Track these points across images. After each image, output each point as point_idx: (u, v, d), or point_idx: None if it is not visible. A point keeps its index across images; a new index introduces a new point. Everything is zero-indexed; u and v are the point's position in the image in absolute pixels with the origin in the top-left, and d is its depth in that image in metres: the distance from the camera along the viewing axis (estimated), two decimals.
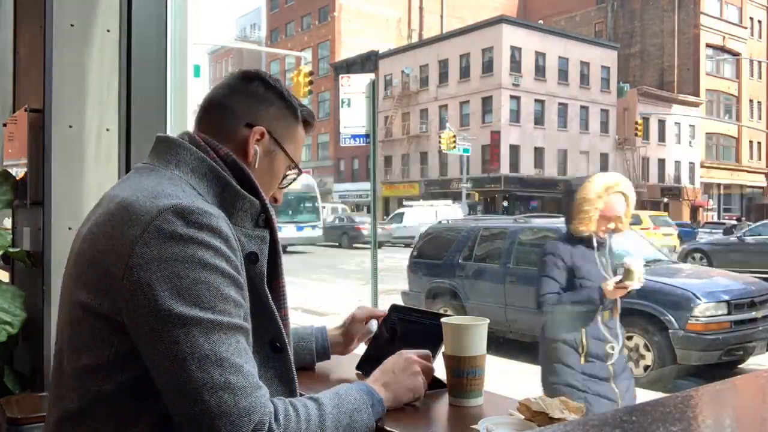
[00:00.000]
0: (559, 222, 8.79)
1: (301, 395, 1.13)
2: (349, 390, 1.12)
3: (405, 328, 1.47)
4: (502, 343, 7.65)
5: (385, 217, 31.90)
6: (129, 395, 1.00)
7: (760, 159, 49.18)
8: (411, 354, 1.27)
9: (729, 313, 6.29)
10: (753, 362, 6.85)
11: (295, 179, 1.29)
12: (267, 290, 1.13)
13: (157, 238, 0.97)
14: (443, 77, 41.13)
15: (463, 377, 1.25)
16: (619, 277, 3.07)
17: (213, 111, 1.21)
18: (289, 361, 1.16)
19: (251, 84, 1.21)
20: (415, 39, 48.14)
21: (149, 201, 1.01)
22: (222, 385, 0.93)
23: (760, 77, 49.36)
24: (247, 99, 1.20)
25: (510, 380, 5.86)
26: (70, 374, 1.04)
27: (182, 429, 0.97)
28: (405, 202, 33.48)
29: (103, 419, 1.01)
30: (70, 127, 2.17)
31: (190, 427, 0.95)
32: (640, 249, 8.22)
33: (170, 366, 0.94)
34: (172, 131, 2.18)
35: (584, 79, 41.14)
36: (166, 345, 0.94)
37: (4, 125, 2.63)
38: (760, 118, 49.10)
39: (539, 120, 39.24)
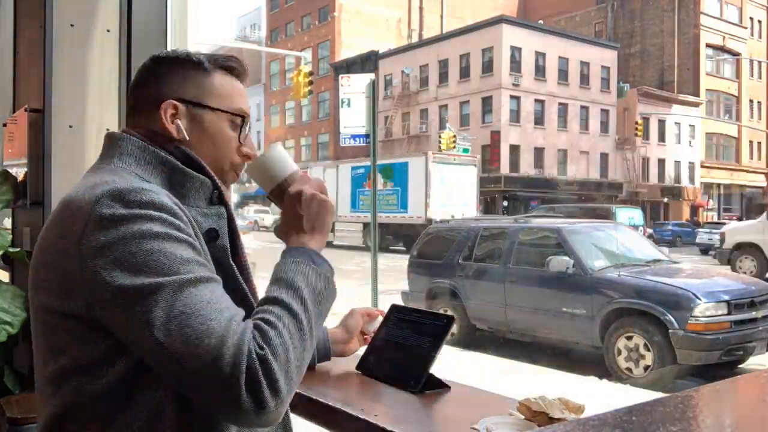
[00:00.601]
0: (559, 222, 8.80)
1: None
2: (293, 273, 1.05)
3: (405, 328, 1.47)
4: (502, 343, 7.65)
5: None
6: (116, 392, 0.99)
7: (760, 159, 49.18)
8: (301, 187, 1.15)
9: (729, 313, 6.29)
10: (753, 362, 6.85)
11: (248, 127, 1.21)
12: (233, 264, 1.12)
13: (100, 224, 0.95)
14: (443, 77, 41.12)
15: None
16: None
17: (133, 112, 1.18)
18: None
19: (147, 70, 1.17)
20: (415, 39, 48.13)
21: (87, 192, 1.00)
22: (204, 333, 0.92)
23: (760, 77, 49.35)
24: (146, 84, 1.16)
25: (510, 380, 5.86)
26: (50, 378, 1.03)
27: (188, 393, 0.96)
28: None
29: (93, 418, 0.99)
30: (70, 127, 2.17)
31: (192, 387, 0.94)
32: (641, 247, 8.23)
33: (151, 335, 0.92)
34: None
35: (584, 79, 41.13)
36: (141, 319, 0.92)
37: (4, 125, 2.63)
38: (760, 118, 49.09)
39: (539, 120, 39.22)
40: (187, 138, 1.13)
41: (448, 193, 23.80)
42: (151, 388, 0.99)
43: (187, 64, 1.16)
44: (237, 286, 1.10)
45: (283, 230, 1.15)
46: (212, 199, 1.13)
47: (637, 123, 34.58)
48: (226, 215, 1.14)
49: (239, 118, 1.18)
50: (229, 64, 1.19)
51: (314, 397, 1.31)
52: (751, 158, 48.86)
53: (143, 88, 1.16)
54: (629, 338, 6.57)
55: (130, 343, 0.96)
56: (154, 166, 1.09)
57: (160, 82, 1.15)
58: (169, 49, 2.27)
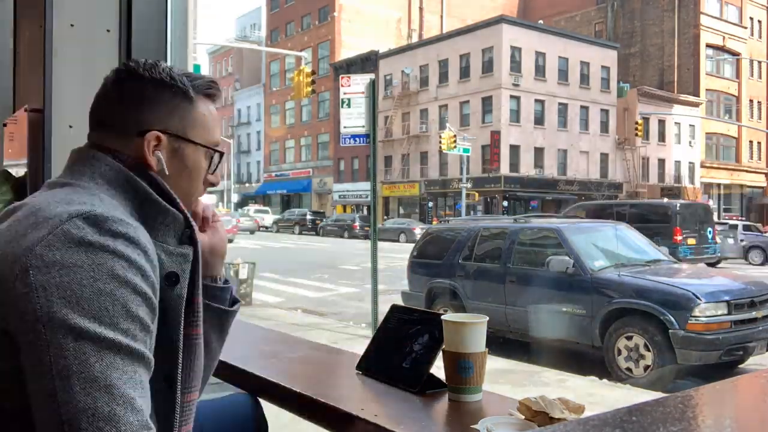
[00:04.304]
0: (559, 222, 8.79)
1: None
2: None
3: (405, 328, 1.47)
4: (502, 343, 7.65)
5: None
6: (26, 416, 0.87)
7: (760, 159, 49.17)
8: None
9: (729, 313, 6.29)
10: (753, 362, 6.85)
11: (221, 159, 1.17)
12: (181, 317, 1.03)
13: (63, 242, 0.87)
14: (443, 77, 41.12)
15: (462, 373, 1.26)
16: None
17: (102, 128, 1.08)
18: (174, 401, 1.04)
19: (123, 87, 1.08)
20: (415, 39, 48.12)
21: (61, 206, 0.92)
22: (105, 416, 0.81)
23: (760, 77, 49.34)
24: (125, 106, 1.07)
25: (510, 380, 5.86)
26: None
27: None
28: None
29: None
30: (70, 127, 2.17)
31: None
32: (641, 247, 8.23)
33: (50, 383, 0.82)
34: None
35: (584, 79, 41.13)
36: (51, 358, 0.82)
37: (4, 125, 2.63)
38: (760, 118, 49.07)
39: (539, 120, 39.22)
40: (167, 172, 1.07)
41: None
42: None
43: (173, 90, 1.08)
44: (172, 339, 1.02)
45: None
46: (182, 237, 1.05)
47: (637, 123, 34.56)
48: (191, 257, 1.05)
49: (217, 153, 1.14)
50: (210, 92, 1.13)
51: (314, 397, 1.31)
52: (751, 158, 48.84)
53: (123, 105, 1.07)
54: (629, 338, 6.56)
55: (26, 369, 0.85)
56: (127, 191, 1.01)
57: (144, 106, 1.06)
58: (169, 49, 2.28)
